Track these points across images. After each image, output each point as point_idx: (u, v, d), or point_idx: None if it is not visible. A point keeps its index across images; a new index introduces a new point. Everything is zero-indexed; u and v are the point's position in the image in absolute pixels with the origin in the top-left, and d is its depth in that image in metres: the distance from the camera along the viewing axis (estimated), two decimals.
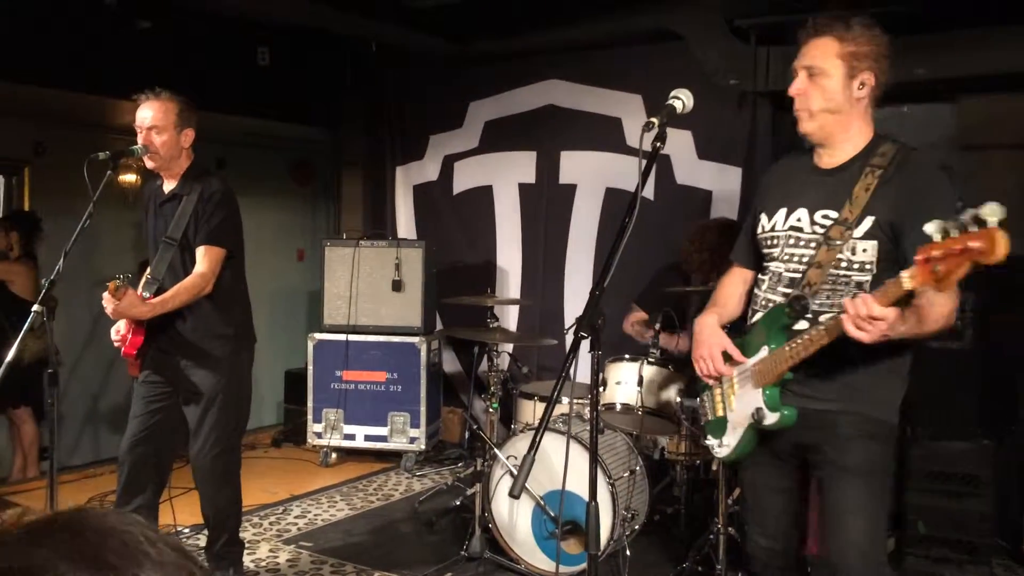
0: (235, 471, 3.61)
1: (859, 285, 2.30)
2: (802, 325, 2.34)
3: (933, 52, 4.48)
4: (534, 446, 1.95)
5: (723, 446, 2.59)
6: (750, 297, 2.64)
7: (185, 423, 3.53)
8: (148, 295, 3.33)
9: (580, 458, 3.52)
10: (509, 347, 5.36)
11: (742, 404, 2.50)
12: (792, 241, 2.43)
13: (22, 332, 2.92)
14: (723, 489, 3.89)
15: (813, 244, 2.38)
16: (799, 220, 2.42)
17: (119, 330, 3.41)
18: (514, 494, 1.98)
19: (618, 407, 4.12)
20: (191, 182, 3.45)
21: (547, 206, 6.03)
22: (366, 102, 6.92)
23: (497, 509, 3.99)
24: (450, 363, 6.42)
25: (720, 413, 2.61)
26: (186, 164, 3.49)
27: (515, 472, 3.85)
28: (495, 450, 3.99)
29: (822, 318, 2.31)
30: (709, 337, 2.58)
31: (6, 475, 5.77)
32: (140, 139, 3.39)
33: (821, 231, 2.36)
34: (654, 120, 2.23)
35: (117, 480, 3.50)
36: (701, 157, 5.40)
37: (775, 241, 2.48)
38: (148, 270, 3.49)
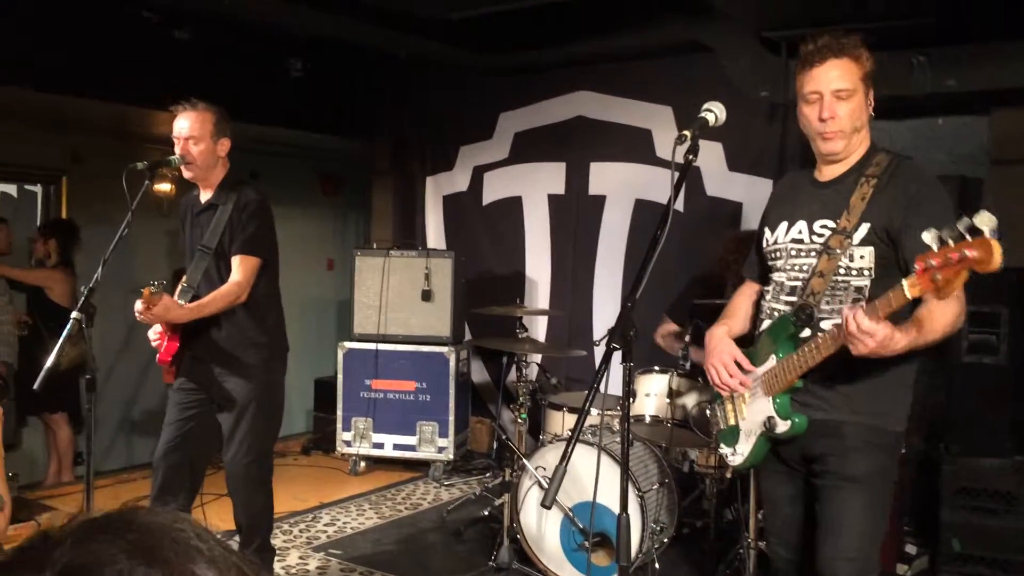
0: (267, 478, 3.65)
1: (858, 290, 2.37)
2: (806, 333, 2.39)
3: (965, 64, 4.44)
4: (566, 457, 1.96)
5: (736, 454, 2.64)
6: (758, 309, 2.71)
7: (219, 430, 3.57)
8: (184, 303, 3.38)
9: (610, 470, 3.52)
10: (538, 358, 5.36)
11: (753, 413, 2.55)
12: (794, 252, 2.51)
13: (61, 338, 2.97)
14: (753, 503, 3.87)
15: (813, 253, 2.45)
16: (800, 232, 2.50)
17: (158, 330, 3.46)
18: (545, 504, 2.00)
19: (647, 419, 4.12)
20: (227, 192, 3.50)
21: (576, 217, 6.05)
22: (396, 113, 6.98)
23: (525, 520, 3.99)
24: (478, 373, 6.44)
25: (732, 422, 2.65)
26: (222, 174, 3.54)
27: (543, 483, 3.87)
28: (523, 460, 4.00)
29: (824, 324, 2.37)
30: (719, 346, 2.62)
31: (41, 479, 5.86)
32: (178, 149, 3.45)
33: (820, 240, 2.44)
34: (687, 133, 2.25)
35: (151, 485, 3.55)
36: (731, 169, 5.39)
37: (779, 254, 2.56)
38: (184, 278, 3.54)
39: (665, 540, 3.96)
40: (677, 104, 5.51)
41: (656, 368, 4.18)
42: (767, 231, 2.63)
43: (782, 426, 2.43)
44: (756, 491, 3.87)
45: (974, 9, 4.18)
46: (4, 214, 6.01)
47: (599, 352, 2.13)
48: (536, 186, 6.23)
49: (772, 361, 2.46)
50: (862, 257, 2.36)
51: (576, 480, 3.68)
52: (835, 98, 2.38)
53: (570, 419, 4.38)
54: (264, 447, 3.60)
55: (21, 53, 4.69)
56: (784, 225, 2.55)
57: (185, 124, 3.44)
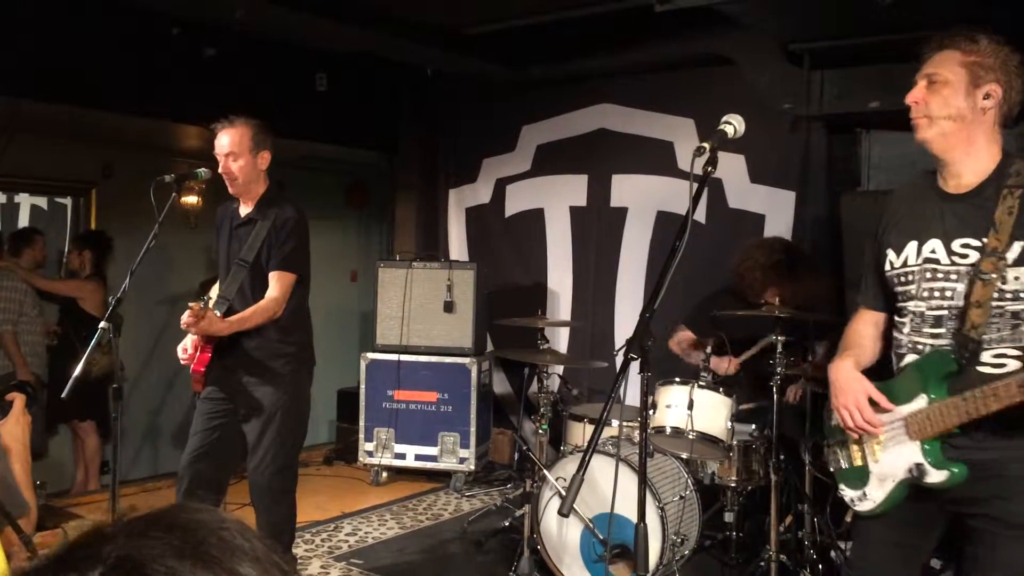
0: (291, 488, 3.69)
1: (1015, 315, 2.15)
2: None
3: None
4: (583, 466, 1.97)
5: (866, 499, 2.38)
6: (887, 340, 2.45)
7: (244, 440, 3.62)
8: (219, 313, 3.45)
9: (629, 481, 3.52)
10: (559, 369, 5.37)
11: (892, 456, 2.30)
12: (929, 275, 2.26)
13: (89, 347, 3.04)
14: (774, 515, 3.86)
15: (954, 276, 2.21)
16: (933, 252, 2.25)
17: (186, 348, 3.53)
18: (563, 512, 2.01)
19: (668, 430, 4.10)
20: (266, 208, 3.57)
21: (598, 229, 6.06)
22: (421, 126, 7.04)
23: (546, 530, 3.99)
24: (500, 384, 6.45)
25: (859, 463, 2.41)
26: (262, 189, 3.61)
27: (564, 494, 3.87)
28: (544, 471, 4.00)
29: (983, 356, 2.16)
30: (849, 383, 2.35)
31: (69, 487, 5.93)
32: (220, 166, 3.53)
33: (963, 262, 2.20)
34: (705, 145, 2.24)
35: (176, 494, 3.60)
36: (754, 181, 5.38)
37: (910, 277, 2.31)
38: (217, 289, 3.62)
39: (686, 552, 3.95)
40: (699, 116, 5.51)
41: (677, 380, 4.17)
42: (891, 253, 2.36)
43: (936, 476, 2.18)
44: (778, 504, 3.86)
45: (1006, 20, 4.15)
46: (35, 226, 6.12)
47: (620, 362, 2.12)
48: (558, 198, 6.26)
49: (921, 402, 2.22)
50: (1016, 279, 2.13)
51: (596, 491, 3.69)
52: (926, 83, 2.25)
53: (591, 430, 4.39)
54: (289, 457, 3.64)
55: (53, 70, 4.79)
56: (913, 245, 2.30)
57: (225, 141, 3.52)
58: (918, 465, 2.21)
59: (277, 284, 3.49)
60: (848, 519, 3.66)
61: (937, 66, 2.24)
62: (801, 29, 4.77)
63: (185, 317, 3.28)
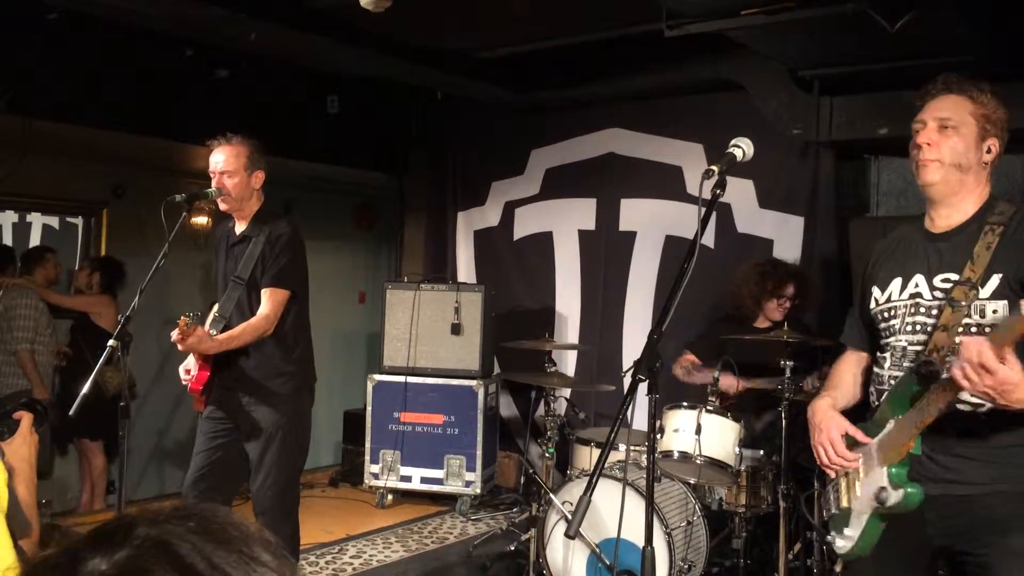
0: (294, 508, 3.66)
1: None
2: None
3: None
4: (590, 487, 1.96)
5: (845, 539, 2.33)
6: (867, 379, 2.48)
7: (247, 459, 3.60)
8: (215, 332, 3.44)
9: (636, 506, 3.50)
10: (566, 392, 5.34)
11: (866, 489, 2.27)
12: (912, 309, 2.29)
13: (98, 365, 3.04)
14: (783, 543, 3.82)
15: (935, 311, 2.24)
16: (917, 287, 2.30)
17: (188, 368, 3.53)
18: (569, 534, 1.99)
19: (675, 455, 4.08)
20: (260, 224, 3.57)
21: (607, 253, 6.06)
22: (430, 148, 7.07)
23: (552, 555, 3.96)
24: (507, 407, 6.43)
25: (844, 504, 2.37)
26: (256, 206, 3.62)
27: (570, 518, 3.84)
28: (550, 495, 3.98)
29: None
30: (824, 421, 2.38)
31: (74, 507, 5.92)
32: (213, 183, 3.54)
33: (943, 296, 2.24)
34: (714, 168, 2.23)
35: None
36: (762, 206, 5.38)
37: (893, 312, 2.34)
38: (216, 308, 3.61)
39: None
40: (708, 141, 5.52)
41: (684, 404, 4.14)
42: (876, 290, 2.40)
43: (894, 496, 2.15)
44: (786, 531, 3.83)
45: (1008, 49, 4.17)
46: (46, 244, 6.16)
47: (628, 384, 2.12)
48: (567, 222, 6.27)
49: (889, 426, 2.23)
50: (995, 312, 2.14)
51: (603, 516, 3.66)
52: (938, 126, 2.26)
53: (597, 454, 4.36)
54: (291, 477, 3.63)
55: (65, 91, 4.84)
56: (898, 282, 2.34)
57: (220, 158, 3.53)
58: (881, 489, 2.19)
59: (269, 301, 3.47)
60: (838, 569, 3.60)
61: (949, 112, 2.26)
62: (810, 55, 4.79)
63: (174, 333, 3.26)
